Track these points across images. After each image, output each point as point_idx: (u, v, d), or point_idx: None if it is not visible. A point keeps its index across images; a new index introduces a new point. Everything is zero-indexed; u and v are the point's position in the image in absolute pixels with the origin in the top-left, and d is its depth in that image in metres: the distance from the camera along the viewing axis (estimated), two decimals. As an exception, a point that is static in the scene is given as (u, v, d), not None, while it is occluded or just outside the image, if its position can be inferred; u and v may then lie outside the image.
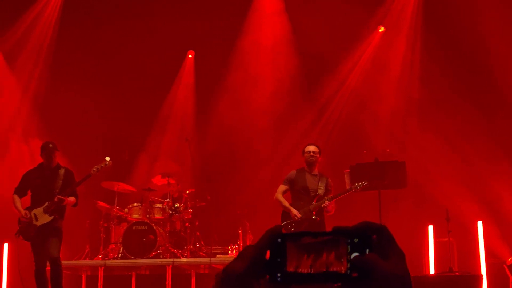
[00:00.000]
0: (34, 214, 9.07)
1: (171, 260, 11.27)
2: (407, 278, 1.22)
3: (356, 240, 1.25)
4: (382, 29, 14.16)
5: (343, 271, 1.24)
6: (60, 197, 9.00)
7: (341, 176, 10.53)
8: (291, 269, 1.25)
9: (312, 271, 1.25)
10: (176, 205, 11.93)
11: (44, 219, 9.04)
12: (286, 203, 9.76)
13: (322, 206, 9.59)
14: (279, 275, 1.25)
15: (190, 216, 11.98)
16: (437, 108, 13.34)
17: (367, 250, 1.24)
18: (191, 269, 11.84)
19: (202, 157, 13.78)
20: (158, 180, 12.45)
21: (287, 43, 14.24)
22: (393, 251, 1.23)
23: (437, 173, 12.77)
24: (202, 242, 12.16)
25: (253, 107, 14.29)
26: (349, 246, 1.25)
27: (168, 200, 12.05)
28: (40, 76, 14.43)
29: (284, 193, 9.90)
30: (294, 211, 9.62)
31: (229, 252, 11.94)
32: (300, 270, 1.25)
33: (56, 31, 14.48)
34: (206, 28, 14.01)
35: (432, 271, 11.33)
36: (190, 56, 15.08)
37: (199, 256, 11.72)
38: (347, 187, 10.18)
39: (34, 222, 9.04)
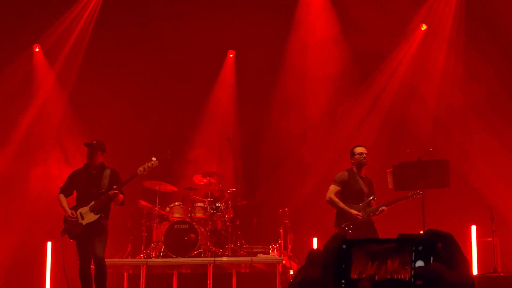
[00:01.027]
0: (80, 213, 9.16)
1: (212, 259, 11.30)
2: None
3: (420, 247, 1.24)
4: (424, 27, 13.99)
5: (407, 279, 1.23)
6: (115, 190, 9.08)
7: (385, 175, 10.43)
8: (355, 276, 1.25)
9: (376, 278, 1.24)
10: (217, 204, 11.96)
11: (90, 217, 9.13)
12: (343, 204, 9.41)
13: (379, 210, 9.35)
14: (343, 281, 1.25)
15: (231, 215, 11.99)
16: (483, 104, 13.10)
17: (432, 258, 1.23)
18: (232, 268, 11.88)
19: (243, 156, 13.79)
20: (199, 179, 12.51)
21: (332, 41, 14.09)
22: (458, 260, 1.22)
23: (480, 172, 12.60)
24: (243, 241, 12.17)
25: (297, 107, 14.24)
26: (413, 254, 1.24)
27: (209, 199, 12.09)
28: (79, 74, 14.55)
29: (336, 194, 9.52)
30: (355, 211, 9.31)
31: (270, 251, 11.94)
32: (364, 276, 1.25)
33: (97, 31, 14.59)
34: (249, 27, 13.92)
35: (475, 271, 11.19)
36: (231, 56, 15.08)
37: (240, 255, 11.73)
38: (390, 186, 10.08)
39: (80, 221, 9.13)
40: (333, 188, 9.57)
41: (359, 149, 9.61)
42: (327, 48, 14.10)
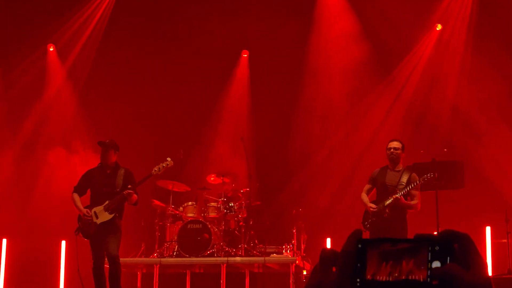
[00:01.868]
0: (95, 212, 9.20)
1: (225, 258, 11.31)
2: (489, 290, 1.20)
3: (437, 248, 1.22)
4: (439, 27, 13.88)
5: (422, 279, 1.22)
6: (129, 190, 9.11)
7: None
8: (369, 276, 1.24)
9: (390, 279, 1.23)
10: (230, 204, 11.97)
11: (104, 217, 9.16)
12: (366, 200, 9.43)
13: (394, 199, 9.06)
14: (358, 280, 1.24)
15: (245, 215, 12.00)
16: (503, 101, 12.99)
17: (448, 258, 1.22)
18: (245, 268, 11.86)
19: (258, 156, 13.78)
20: (213, 179, 12.51)
21: (349, 40, 14.03)
22: (475, 261, 1.21)
23: (496, 172, 12.51)
24: (256, 241, 12.17)
25: (313, 106, 14.22)
26: (429, 254, 1.23)
27: (222, 199, 12.10)
28: (91, 73, 14.58)
29: (368, 192, 9.52)
30: (369, 204, 9.30)
31: (284, 251, 11.93)
32: (378, 277, 1.24)
33: (110, 30, 14.60)
34: (263, 26, 13.90)
35: (489, 273, 11.10)
36: (245, 55, 15.06)
37: (253, 255, 11.73)
38: None
39: (94, 220, 9.17)
40: (365, 186, 9.63)
41: (389, 144, 9.48)
42: (345, 47, 14.03)
